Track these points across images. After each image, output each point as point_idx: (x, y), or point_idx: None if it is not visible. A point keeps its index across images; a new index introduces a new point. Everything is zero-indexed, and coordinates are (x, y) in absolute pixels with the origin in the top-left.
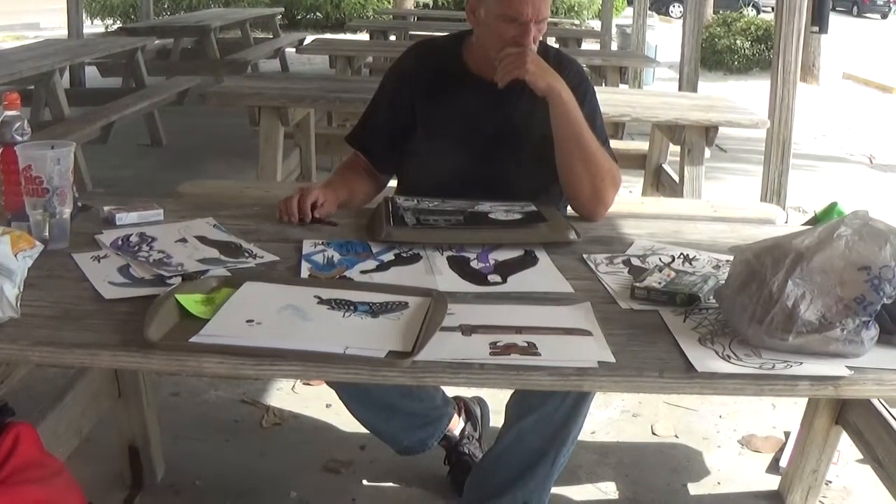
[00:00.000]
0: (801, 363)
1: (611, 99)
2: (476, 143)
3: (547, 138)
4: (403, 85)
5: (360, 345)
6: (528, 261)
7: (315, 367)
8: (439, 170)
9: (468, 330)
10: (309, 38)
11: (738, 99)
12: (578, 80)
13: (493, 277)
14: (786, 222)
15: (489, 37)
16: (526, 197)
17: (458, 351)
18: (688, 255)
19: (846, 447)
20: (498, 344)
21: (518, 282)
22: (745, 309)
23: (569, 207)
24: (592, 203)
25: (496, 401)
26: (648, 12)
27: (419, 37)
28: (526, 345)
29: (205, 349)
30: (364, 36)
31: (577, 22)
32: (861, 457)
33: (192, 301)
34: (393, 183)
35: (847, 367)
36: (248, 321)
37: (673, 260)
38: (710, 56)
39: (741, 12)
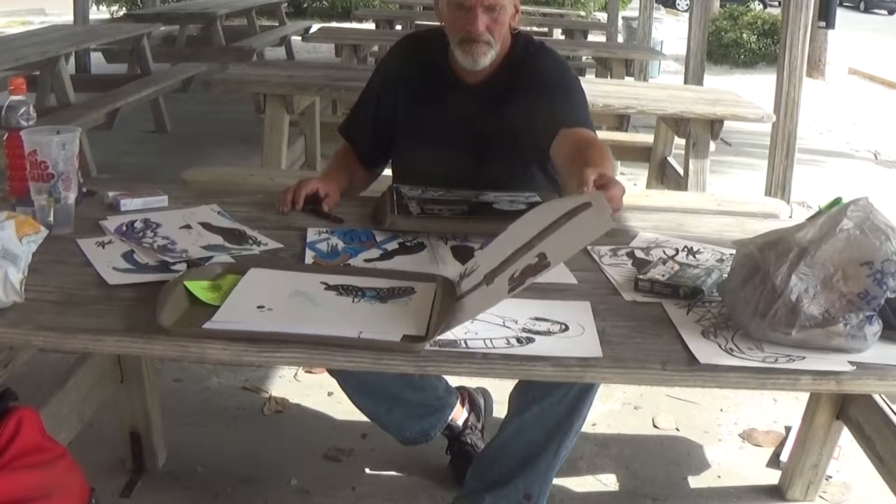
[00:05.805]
0: (804, 357)
1: (616, 91)
2: (458, 145)
3: (533, 141)
4: (388, 85)
5: (375, 329)
6: None
7: (318, 354)
8: (423, 170)
9: (490, 278)
10: (315, 27)
11: (743, 93)
12: (561, 74)
13: None
14: (790, 217)
15: (448, 29)
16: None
17: (485, 303)
18: (692, 248)
19: (847, 442)
20: (514, 275)
21: None
22: (749, 302)
23: None
24: None
25: (499, 391)
26: (655, 5)
27: (425, 26)
28: (537, 260)
29: (220, 335)
30: (370, 25)
31: (582, 14)
32: (862, 452)
33: (199, 287)
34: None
35: (849, 361)
36: (259, 307)
37: (677, 253)
38: (717, 50)
39: (748, 6)
